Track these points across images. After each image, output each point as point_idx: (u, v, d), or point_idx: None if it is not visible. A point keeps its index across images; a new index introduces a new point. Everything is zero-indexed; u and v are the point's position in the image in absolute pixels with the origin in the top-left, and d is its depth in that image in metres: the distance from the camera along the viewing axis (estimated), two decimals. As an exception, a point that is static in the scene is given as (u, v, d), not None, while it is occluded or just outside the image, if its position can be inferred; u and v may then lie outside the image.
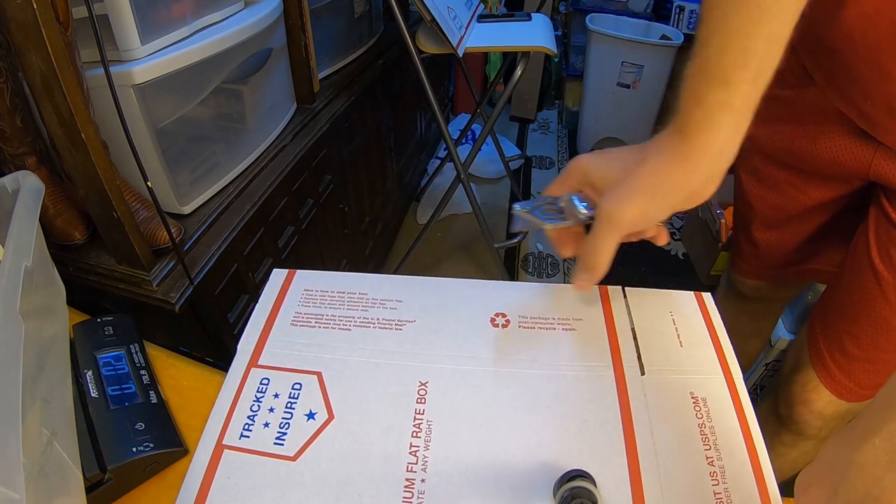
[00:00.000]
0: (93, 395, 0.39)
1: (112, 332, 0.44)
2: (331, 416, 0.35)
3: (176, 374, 0.43)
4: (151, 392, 0.40)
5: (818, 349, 0.67)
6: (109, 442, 0.37)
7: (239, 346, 0.40)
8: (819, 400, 0.69)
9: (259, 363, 0.38)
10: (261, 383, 0.37)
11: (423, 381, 0.37)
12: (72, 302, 0.73)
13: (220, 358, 0.77)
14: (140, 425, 0.38)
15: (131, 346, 0.43)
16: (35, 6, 0.46)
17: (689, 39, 1.90)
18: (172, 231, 0.69)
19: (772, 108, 0.66)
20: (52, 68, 0.50)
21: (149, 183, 0.56)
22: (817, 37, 0.54)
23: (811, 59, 0.56)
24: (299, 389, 0.36)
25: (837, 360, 0.65)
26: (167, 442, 0.38)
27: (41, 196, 0.38)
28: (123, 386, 0.40)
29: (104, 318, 0.44)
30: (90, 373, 0.41)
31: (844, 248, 0.69)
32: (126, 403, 0.39)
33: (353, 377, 0.37)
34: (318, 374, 0.37)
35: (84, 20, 0.53)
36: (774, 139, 0.65)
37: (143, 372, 0.41)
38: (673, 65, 1.89)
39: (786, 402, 0.74)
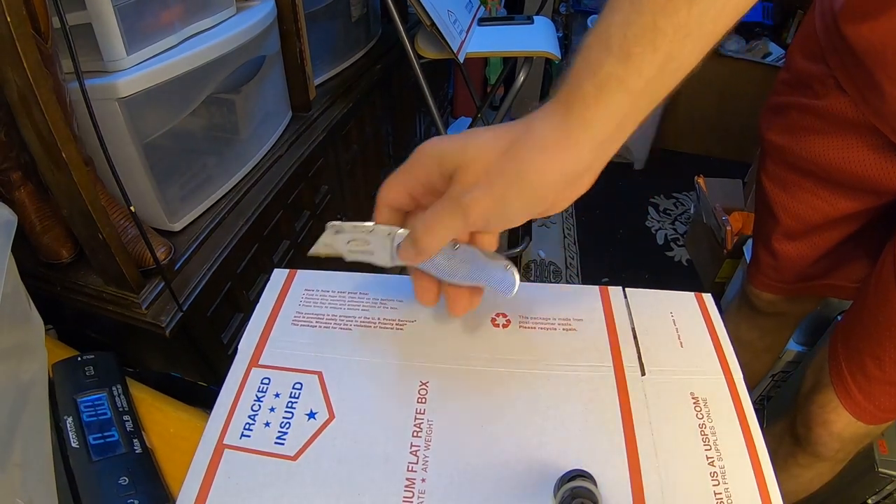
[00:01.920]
0: (73, 444, 0.36)
1: (93, 371, 0.40)
2: (331, 416, 0.35)
3: (162, 420, 0.40)
4: (135, 440, 0.37)
5: (839, 370, 0.64)
6: (92, 499, 0.34)
7: (240, 346, 0.39)
8: (838, 421, 0.67)
9: (260, 363, 0.38)
10: (261, 383, 0.37)
11: (424, 381, 0.36)
12: (60, 321, 0.70)
13: (213, 380, 0.73)
14: (124, 479, 0.35)
15: (113, 388, 0.40)
16: (9, 18, 0.43)
17: None
18: (162, 251, 0.66)
19: (798, 117, 0.64)
20: (29, 84, 0.46)
21: (132, 207, 0.52)
22: (849, 50, 0.51)
23: (843, 72, 0.54)
24: (300, 389, 0.36)
25: (858, 382, 0.62)
26: (154, 498, 0.35)
27: (13, 229, 0.35)
28: (105, 434, 0.37)
29: (85, 357, 0.41)
30: (70, 419, 0.38)
31: (867, 264, 0.67)
32: (109, 454, 0.36)
33: (354, 377, 0.37)
34: (319, 374, 0.37)
35: (68, 28, 0.49)
36: (801, 149, 0.63)
37: (126, 417, 0.38)
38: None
39: (803, 423, 0.71)
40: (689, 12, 0.29)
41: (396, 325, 0.40)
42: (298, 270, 0.46)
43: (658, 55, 0.30)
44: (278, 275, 0.46)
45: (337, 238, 0.36)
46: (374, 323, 0.40)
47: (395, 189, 0.34)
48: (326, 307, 0.42)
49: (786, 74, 0.67)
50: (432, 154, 0.32)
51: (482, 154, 0.31)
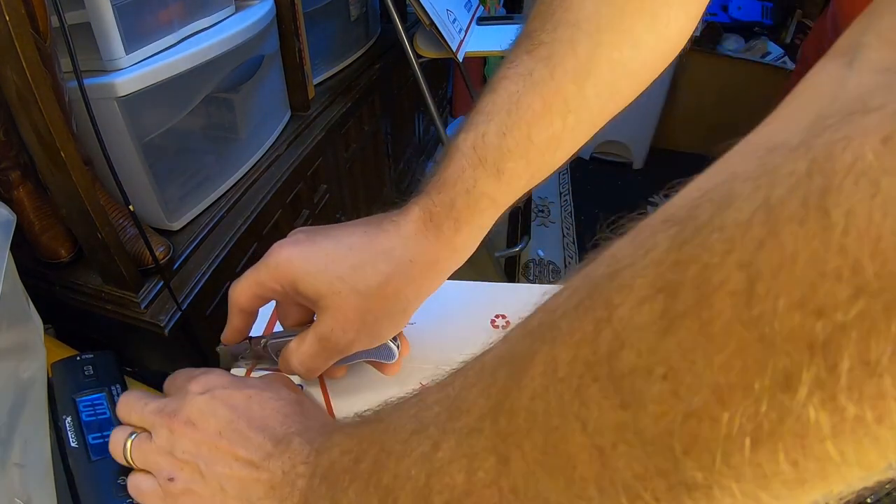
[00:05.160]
0: (72, 444, 0.36)
1: (92, 371, 0.40)
2: (332, 416, 0.35)
3: (162, 419, 0.40)
4: (135, 440, 0.37)
5: None
6: (91, 499, 0.34)
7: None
8: None
9: (260, 365, 0.38)
10: None
11: (424, 383, 0.37)
12: (59, 320, 0.70)
13: (212, 380, 0.73)
14: (123, 479, 0.35)
15: (112, 388, 0.40)
16: (7, 17, 0.43)
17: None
18: (161, 250, 0.66)
19: None
20: (28, 83, 0.46)
21: (131, 207, 0.52)
22: None
23: None
24: (301, 389, 0.36)
25: None
26: (152, 497, 0.35)
27: (11, 229, 0.35)
28: (105, 433, 0.37)
29: (84, 356, 0.41)
30: (69, 419, 0.38)
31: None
32: (108, 454, 0.36)
33: (355, 378, 0.37)
34: (320, 376, 0.37)
35: (67, 27, 0.49)
36: None
37: (126, 417, 0.38)
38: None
39: None
40: (564, 124, 0.29)
41: None
42: None
43: (529, 168, 0.29)
44: None
45: (233, 353, 0.36)
46: None
47: (248, 295, 0.32)
48: None
49: (800, 71, 0.68)
50: (287, 274, 0.30)
51: (346, 293, 0.29)
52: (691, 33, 0.33)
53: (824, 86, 0.14)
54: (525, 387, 0.16)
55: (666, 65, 0.33)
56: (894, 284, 0.10)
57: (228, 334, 0.34)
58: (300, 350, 0.30)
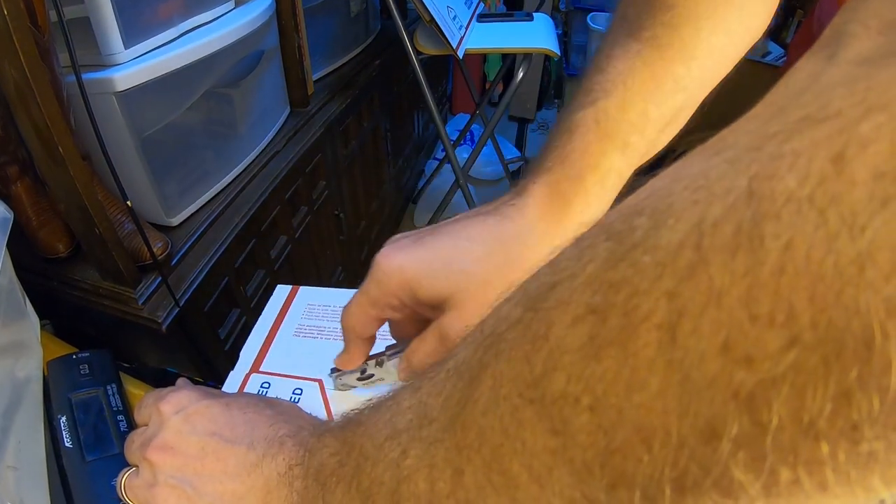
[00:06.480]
0: (67, 444, 0.36)
1: (88, 370, 0.40)
2: (330, 417, 0.35)
3: (158, 418, 0.40)
4: (131, 440, 0.37)
5: None
6: (85, 499, 0.34)
7: (241, 354, 0.40)
8: None
9: (260, 369, 0.39)
10: (261, 387, 0.37)
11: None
12: (57, 316, 0.70)
13: (211, 376, 0.73)
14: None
15: (108, 387, 0.39)
16: (6, 11, 0.43)
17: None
18: (159, 246, 0.66)
19: None
20: (26, 78, 0.46)
21: (129, 202, 0.52)
22: None
23: None
24: (300, 394, 0.37)
25: None
26: (148, 497, 0.34)
27: (8, 226, 0.35)
28: (100, 433, 0.37)
29: (80, 355, 0.41)
30: (64, 418, 0.37)
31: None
32: (102, 454, 0.36)
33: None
34: (320, 382, 0.38)
35: (66, 22, 0.49)
36: None
37: (120, 417, 0.38)
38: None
39: None
40: (674, 102, 0.30)
41: None
42: (301, 286, 0.47)
43: (642, 144, 0.30)
44: (281, 290, 0.47)
45: (348, 378, 0.35)
46: None
47: (363, 321, 0.30)
48: (328, 320, 0.43)
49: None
50: (402, 284, 0.27)
51: (475, 289, 0.26)
52: (766, 27, 0.34)
53: (799, 82, 0.13)
54: (477, 401, 0.15)
55: (741, 56, 0.34)
56: (833, 336, 0.09)
57: (345, 361, 0.32)
58: (421, 350, 0.28)
